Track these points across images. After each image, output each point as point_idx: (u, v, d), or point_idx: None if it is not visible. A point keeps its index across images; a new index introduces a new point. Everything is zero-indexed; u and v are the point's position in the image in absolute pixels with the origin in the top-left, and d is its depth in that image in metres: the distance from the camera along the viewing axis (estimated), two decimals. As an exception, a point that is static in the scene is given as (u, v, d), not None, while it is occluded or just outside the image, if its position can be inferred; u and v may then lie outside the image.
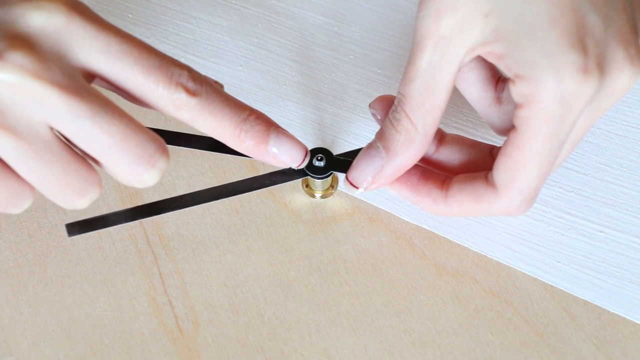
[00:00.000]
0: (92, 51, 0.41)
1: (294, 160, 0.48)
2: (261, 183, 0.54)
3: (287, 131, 0.48)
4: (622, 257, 0.54)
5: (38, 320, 0.53)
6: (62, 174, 0.41)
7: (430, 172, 0.51)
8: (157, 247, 0.55)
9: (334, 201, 0.57)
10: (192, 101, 0.43)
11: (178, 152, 0.58)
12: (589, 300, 0.53)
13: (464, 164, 0.51)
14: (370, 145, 0.49)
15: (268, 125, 0.47)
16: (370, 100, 0.59)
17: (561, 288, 0.53)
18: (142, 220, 0.55)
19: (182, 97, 0.43)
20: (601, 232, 0.55)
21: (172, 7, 0.64)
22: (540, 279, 0.54)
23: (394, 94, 0.60)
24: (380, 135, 0.48)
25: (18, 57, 0.38)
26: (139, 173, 0.42)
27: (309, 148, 0.51)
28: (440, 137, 0.52)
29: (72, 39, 0.40)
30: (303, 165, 0.49)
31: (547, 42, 0.42)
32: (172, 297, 0.53)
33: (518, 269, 0.54)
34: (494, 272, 0.54)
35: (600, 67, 0.42)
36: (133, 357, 0.52)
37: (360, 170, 0.49)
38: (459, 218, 0.56)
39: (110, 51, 0.41)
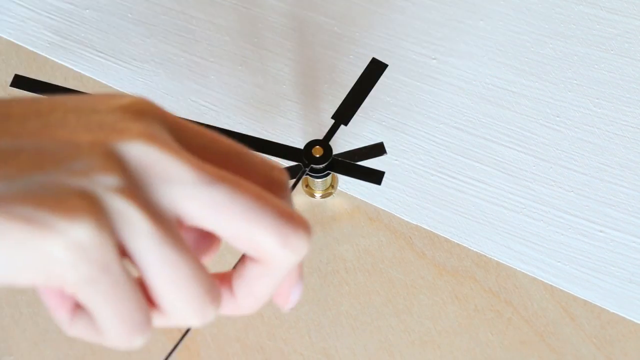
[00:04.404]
0: (189, 201, 0.34)
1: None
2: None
3: None
4: (621, 257, 0.54)
5: (38, 320, 0.53)
6: (136, 301, 0.35)
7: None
8: (157, 247, 0.55)
9: (334, 201, 0.57)
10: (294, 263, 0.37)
11: (178, 152, 0.59)
12: (589, 300, 0.53)
13: None
14: None
15: None
16: (370, 99, 0.59)
17: (561, 288, 0.53)
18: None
19: (288, 257, 0.36)
20: (601, 232, 0.55)
21: (172, 7, 0.64)
22: (540, 279, 0.53)
23: (393, 93, 0.60)
24: None
25: (109, 179, 0.33)
26: (199, 312, 0.36)
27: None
28: None
29: (170, 184, 0.34)
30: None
31: None
32: (171, 297, 0.53)
33: (518, 269, 0.54)
34: (494, 272, 0.54)
35: None
36: (132, 357, 0.52)
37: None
38: (458, 218, 0.56)
39: (212, 205, 0.34)
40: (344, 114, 0.55)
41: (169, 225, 0.34)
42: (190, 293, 0.35)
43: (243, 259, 0.37)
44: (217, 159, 0.36)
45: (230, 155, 0.37)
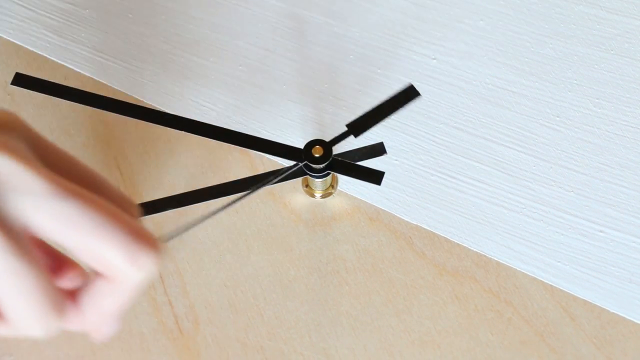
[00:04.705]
0: (39, 213, 0.35)
1: None
2: (261, 182, 0.54)
3: None
4: (621, 257, 0.54)
5: (38, 319, 0.53)
6: None
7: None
8: (157, 247, 0.55)
9: (333, 201, 0.57)
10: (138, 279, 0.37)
11: (178, 152, 0.59)
12: (589, 300, 0.53)
13: None
14: None
15: None
16: (370, 99, 0.59)
17: (561, 288, 0.53)
18: (142, 220, 0.55)
19: (135, 275, 0.36)
20: (601, 232, 0.55)
21: (172, 7, 0.64)
22: (540, 279, 0.54)
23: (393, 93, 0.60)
24: None
25: None
26: (42, 322, 0.36)
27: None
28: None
29: (18, 195, 0.34)
30: None
31: None
32: (172, 297, 0.53)
33: (518, 269, 0.54)
34: (494, 272, 0.54)
35: None
36: (133, 357, 0.52)
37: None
38: (458, 218, 0.56)
39: (62, 218, 0.35)
40: (359, 127, 0.54)
41: (16, 235, 0.34)
42: (34, 303, 0.35)
43: (92, 275, 0.37)
44: (75, 180, 0.36)
45: (88, 179, 0.37)
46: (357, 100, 0.60)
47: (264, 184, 0.51)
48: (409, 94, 0.54)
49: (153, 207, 0.53)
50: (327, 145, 0.53)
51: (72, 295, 0.38)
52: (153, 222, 0.56)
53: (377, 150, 0.56)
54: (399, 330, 0.52)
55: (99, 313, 0.38)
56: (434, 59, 0.62)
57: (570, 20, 0.63)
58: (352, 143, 0.58)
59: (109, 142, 0.59)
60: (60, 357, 0.52)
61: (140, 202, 0.56)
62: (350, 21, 0.63)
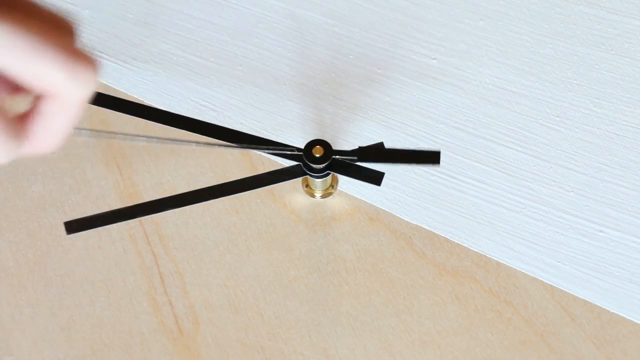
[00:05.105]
0: None
1: None
2: (261, 182, 0.54)
3: None
4: (621, 257, 0.54)
5: (38, 320, 0.53)
6: None
7: None
8: (157, 247, 0.55)
9: (333, 201, 0.57)
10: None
11: (178, 152, 0.59)
12: (589, 300, 0.53)
13: None
14: None
15: None
16: (370, 99, 0.59)
17: (561, 288, 0.53)
18: (142, 220, 0.55)
19: (76, 90, 0.38)
20: (601, 232, 0.55)
21: (172, 7, 0.64)
22: (540, 279, 0.54)
23: (393, 93, 0.60)
24: None
25: None
26: (1, 146, 0.38)
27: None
28: None
29: None
30: None
31: None
32: (171, 297, 0.53)
33: (518, 269, 0.54)
34: (494, 272, 0.54)
35: None
36: (133, 357, 0.52)
37: None
38: (458, 218, 0.56)
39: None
40: (367, 156, 0.53)
41: None
42: None
43: (38, 99, 0.39)
44: (2, 5, 0.37)
45: (17, 4, 0.38)
46: (357, 100, 0.60)
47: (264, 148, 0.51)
48: (430, 157, 0.53)
49: (153, 207, 0.53)
50: (327, 146, 0.53)
51: (22, 121, 0.39)
52: (153, 222, 0.56)
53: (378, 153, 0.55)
54: (399, 330, 0.52)
55: (50, 133, 0.39)
56: (434, 59, 0.62)
57: (570, 20, 0.63)
58: (352, 143, 0.58)
59: (109, 142, 0.59)
60: (60, 357, 0.52)
61: (140, 202, 0.56)
62: (350, 21, 0.63)
